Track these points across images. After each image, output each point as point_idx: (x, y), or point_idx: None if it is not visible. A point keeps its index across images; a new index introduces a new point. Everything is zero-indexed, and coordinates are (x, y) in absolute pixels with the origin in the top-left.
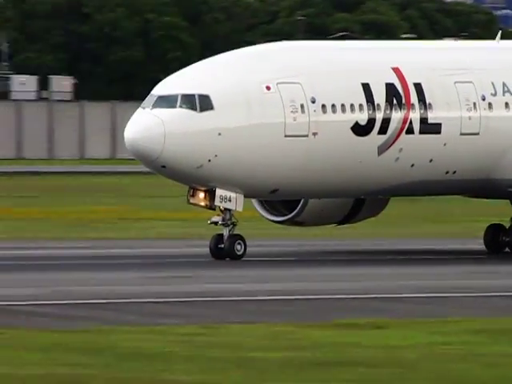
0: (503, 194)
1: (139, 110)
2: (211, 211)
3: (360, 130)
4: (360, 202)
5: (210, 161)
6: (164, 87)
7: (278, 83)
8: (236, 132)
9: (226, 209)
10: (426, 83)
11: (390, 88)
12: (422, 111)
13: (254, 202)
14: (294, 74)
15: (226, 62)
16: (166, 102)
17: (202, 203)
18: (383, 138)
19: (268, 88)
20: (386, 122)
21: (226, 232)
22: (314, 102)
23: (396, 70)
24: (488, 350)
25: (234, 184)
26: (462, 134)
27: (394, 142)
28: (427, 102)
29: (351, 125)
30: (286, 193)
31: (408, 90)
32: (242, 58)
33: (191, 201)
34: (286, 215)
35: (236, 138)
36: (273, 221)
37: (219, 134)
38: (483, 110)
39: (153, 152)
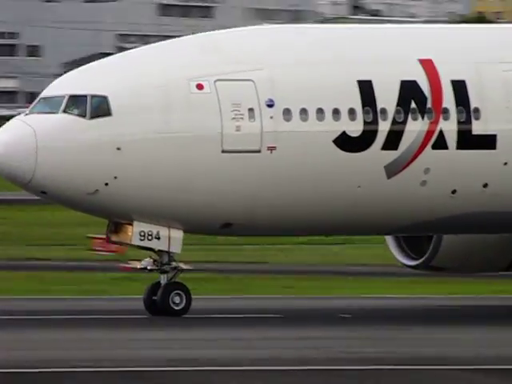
0: None
1: (17, 116)
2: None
3: (349, 143)
4: None
5: (107, 184)
6: (53, 87)
7: (216, 80)
8: (143, 146)
9: (160, 250)
10: (473, 81)
11: (409, 87)
12: (462, 119)
13: (388, 237)
14: (246, 67)
15: (142, 54)
16: (49, 105)
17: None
18: (392, 154)
19: (200, 87)
20: (396, 133)
21: (163, 280)
22: (271, 105)
23: (425, 63)
24: None
25: (152, 215)
26: None
27: (412, 161)
28: (472, 106)
29: (334, 136)
30: (245, 228)
31: (439, 89)
32: (166, 49)
33: (113, 238)
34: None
35: (143, 154)
36: (406, 265)
37: (118, 149)
38: None
39: (21, 173)
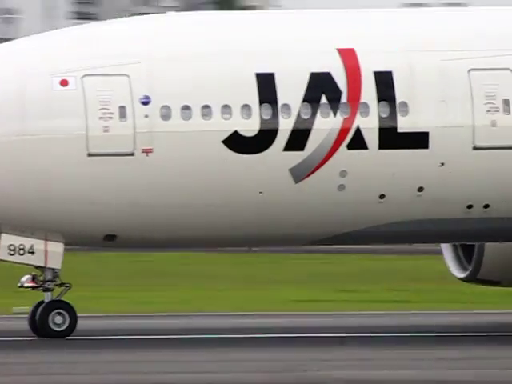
0: None
1: None
2: None
3: (243, 144)
4: None
5: None
6: None
7: (84, 75)
8: None
9: (40, 266)
10: (402, 72)
11: (319, 80)
12: (384, 115)
13: (445, 246)
14: (121, 61)
15: (3, 47)
16: None
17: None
18: (298, 155)
19: (64, 83)
20: (301, 131)
21: (47, 298)
22: (146, 102)
23: (345, 53)
24: None
25: (16, 227)
26: (476, 149)
27: (323, 163)
28: (398, 100)
29: (224, 136)
30: (131, 240)
31: (358, 82)
32: (31, 41)
33: None
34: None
35: None
36: (458, 278)
37: None
38: None
39: None
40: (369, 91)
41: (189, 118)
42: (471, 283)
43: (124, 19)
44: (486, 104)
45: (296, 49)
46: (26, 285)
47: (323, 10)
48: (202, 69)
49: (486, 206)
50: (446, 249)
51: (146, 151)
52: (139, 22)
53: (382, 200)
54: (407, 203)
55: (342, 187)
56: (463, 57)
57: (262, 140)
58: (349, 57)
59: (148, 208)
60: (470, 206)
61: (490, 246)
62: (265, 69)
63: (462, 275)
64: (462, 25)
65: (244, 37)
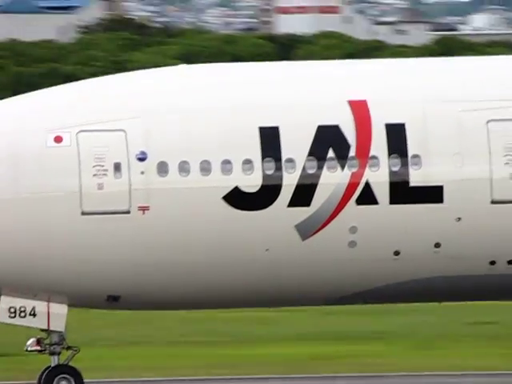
0: None
1: None
2: None
3: (244, 200)
4: None
5: None
6: None
7: (79, 131)
8: None
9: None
10: (415, 124)
11: (327, 133)
12: (395, 168)
13: None
14: (118, 116)
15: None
16: None
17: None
18: (304, 211)
19: (58, 139)
20: (306, 186)
21: (53, 362)
22: (143, 158)
23: (356, 105)
24: None
25: (14, 288)
26: (494, 202)
27: (331, 219)
28: (410, 153)
29: (224, 193)
30: (136, 301)
31: (368, 135)
32: (29, 98)
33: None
34: None
35: None
36: None
37: None
38: None
39: None
40: (378, 144)
41: (187, 174)
42: None
43: (123, 74)
44: (504, 156)
45: (303, 102)
46: (30, 349)
47: (332, 61)
48: (202, 123)
49: (511, 262)
50: None
51: (143, 209)
52: (137, 76)
53: (396, 257)
54: (424, 260)
55: (352, 244)
56: (481, 107)
57: (264, 196)
58: (360, 109)
59: (147, 267)
60: (492, 262)
61: None
62: (269, 123)
63: None
64: (481, 74)
65: (248, 90)
